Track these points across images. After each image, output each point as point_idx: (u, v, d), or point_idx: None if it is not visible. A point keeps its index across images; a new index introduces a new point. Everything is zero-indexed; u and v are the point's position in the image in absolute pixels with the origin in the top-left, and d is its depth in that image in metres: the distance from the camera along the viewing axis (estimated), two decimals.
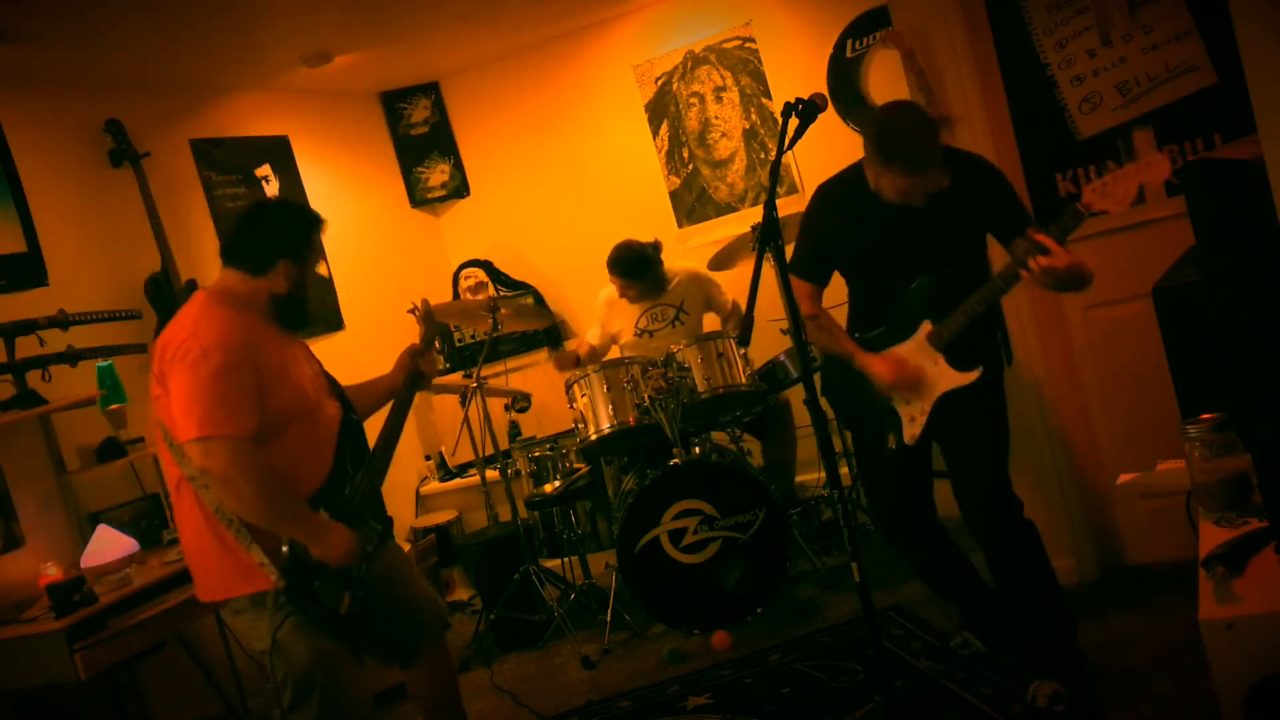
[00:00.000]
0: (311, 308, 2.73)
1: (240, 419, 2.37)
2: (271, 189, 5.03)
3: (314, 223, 2.68)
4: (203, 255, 4.48)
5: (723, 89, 5.42)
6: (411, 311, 3.12)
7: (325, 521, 2.48)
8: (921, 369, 2.80)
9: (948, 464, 2.92)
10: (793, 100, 2.44)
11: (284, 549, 2.42)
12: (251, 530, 2.41)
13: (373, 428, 2.82)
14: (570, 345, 4.68)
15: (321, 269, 5.20)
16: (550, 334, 5.67)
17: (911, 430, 2.86)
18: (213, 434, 2.34)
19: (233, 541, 2.42)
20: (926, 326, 2.78)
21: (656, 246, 4.52)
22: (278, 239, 2.59)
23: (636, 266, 4.43)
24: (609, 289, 4.64)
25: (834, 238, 2.90)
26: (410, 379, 2.93)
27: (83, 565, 3.30)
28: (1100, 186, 2.48)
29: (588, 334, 4.81)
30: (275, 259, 2.57)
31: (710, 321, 4.71)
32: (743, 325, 2.52)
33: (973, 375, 2.76)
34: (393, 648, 2.80)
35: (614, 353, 4.72)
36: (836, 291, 3.00)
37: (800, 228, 2.98)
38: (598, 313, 4.72)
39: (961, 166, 2.78)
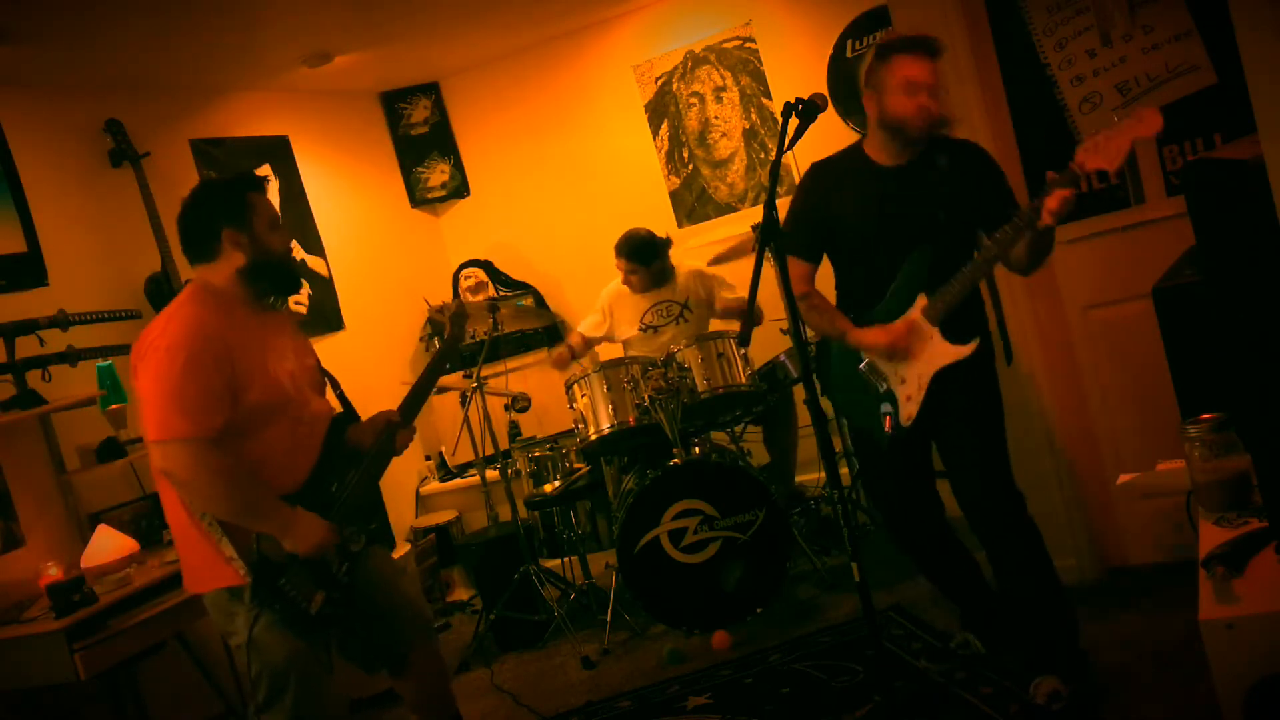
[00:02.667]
0: (292, 270, 2.68)
1: (200, 420, 2.36)
2: (272, 189, 5.03)
3: (240, 183, 2.64)
4: None
5: (723, 89, 5.42)
6: (440, 311, 3.04)
7: (294, 513, 2.47)
8: (916, 343, 2.77)
9: (944, 461, 2.91)
10: (793, 100, 2.44)
11: (253, 544, 2.42)
12: (224, 525, 2.41)
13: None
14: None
15: (321, 269, 5.21)
16: (550, 334, 5.67)
17: (908, 410, 2.81)
18: (171, 437, 2.35)
19: (207, 535, 2.43)
20: (922, 300, 2.76)
21: (667, 242, 4.52)
22: (209, 214, 2.57)
23: (643, 250, 4.43)
24: (615, 284, 4.64)
25: (829, 209, 2.87)
26: (383, 445, 2.76)
27: (83, 565, 3.30)
28: (1093, 145, 2.46)
29: (580, 325, 4.79)
30: (218, 233, 2.54)
31: (714, 322, 4.70)
32: (743, 325, 2.51)
33: (970, 347, 2.73)
34: (376, 654, 2.78)
35: (616, 350, 4.71)
36: (829, 290, 3.00)
37: (792, 204, 2.95)
38: (600, 304, 4.70)
39: (958, 150, 2.80)
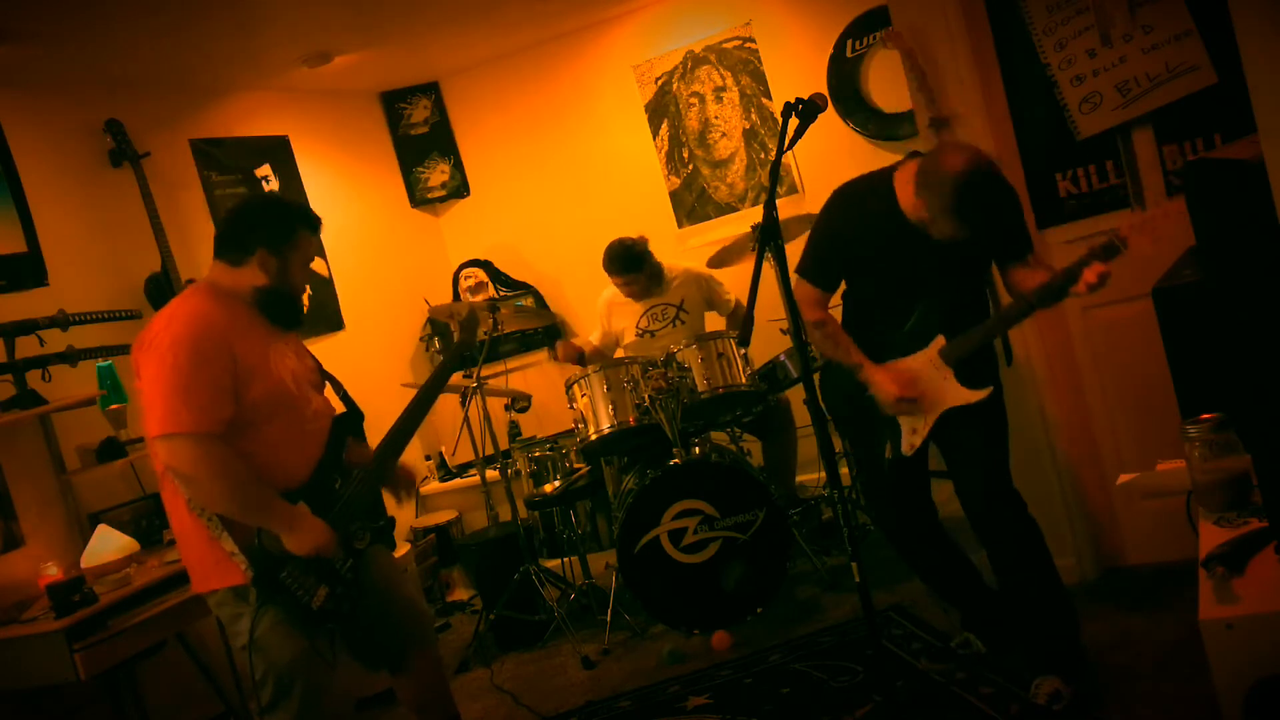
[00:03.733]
0: (300, 306, 2.70)
1: (204, 415, 2.37)
2: (272, 189, 5.03)
3: (299, 217, 2.66)
4: (203, 255, 4.46)
5: (723, 89, 5.42)
6: (450, 315, 3.07)
7: (297, 512, 2.47)
8: (929, 383, 2.79)
9: (949, 466, 2.92)
10: (793, 100, 2.44)
11: (254, 538, 2.42)
12: (224, 521, 2.41)
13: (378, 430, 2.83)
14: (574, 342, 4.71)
15: (321, 269, 5.21)
16: (550, 334, 5.68)
17: (911, 441, 2.85)
18: (174, 431, 2.35)
19: (207, 531, 2.43)
20: (940, 341, 2.77)
21: (643, 241, 4.52)
22: (255, 229, 2.59)
23: (630, 260, 4.43)
24: (609, 290, 4.65)
25: (852, 243, 2.82)
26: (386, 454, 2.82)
27: (83, 565, 3.30)
28: (1142, 221, 2.46)
29: (590, 335, 4.81)
30: (252, 249, 2.56)
31: (711, 322, 4.71)
32: (743, 325, 2.52)
33: (982, 394, 2.76)
34: (377, 652, 2.78)
35: (616, 353, 4.72)
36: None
37: (815, 229, 2.90)
38: (599, 313, 4.72)
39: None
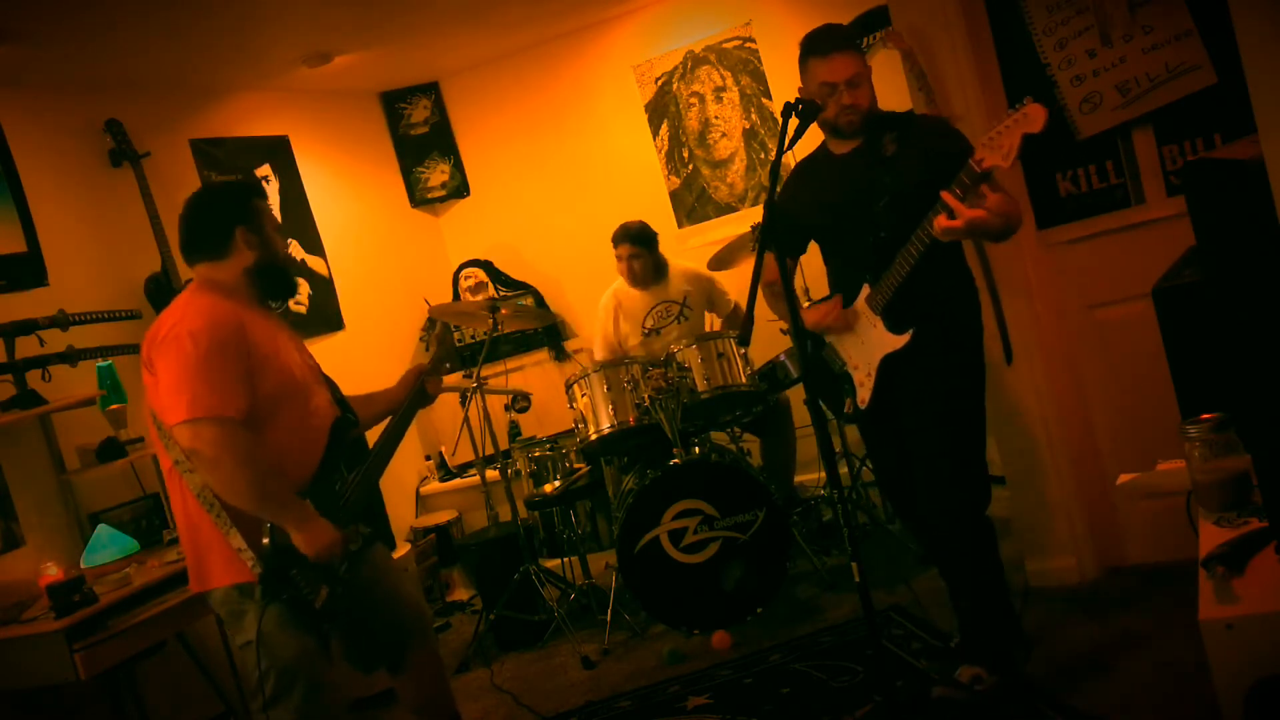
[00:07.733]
0: (290, 273, 2.75)
1: (229, 400, 2.37)
2: (272, 189, 5.04)
3: (248, 189, 2.73)
4: None
5: (723, 89, 5.42)
6: (425, 333, 3.15)
7: (311, 512, 2.47)
8: (864, 331, 2.87)
9: (915, 476, 2.92)
10: (793, 100, 2.45)
11: (264, 536, 2.42)
12: (233, 516, 2.40)
13: (370, 436, 2.83)
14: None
15: (321, 269, 5.21)
16: (550, 334, 5.67)
17: (862, 394, 2.92)
18: (200, 415, 2.35)
19: (215, 527, 2.43)
20: (866, 289, 2.83)
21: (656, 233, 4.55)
22: (223, 215, 2.62)
23: (645, 234, 4.47)
24: (609, 295, 4.64)
25: (795, 202, 2.98)
26: (413, 398, 2.93)
27: (83, 565, 3.30)
28: (988, 141, 2.51)
29: (594, 352, 4.78)
30: (230, 234, 2.59)
31: (710, 322, 4.71)
32: (743, 325, 2.52)
33: (903, 339, 2.78)
34: (375, 652, 2.78)
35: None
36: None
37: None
38: (600, 321, 4.69)
39: (906, 126, 2.82)
